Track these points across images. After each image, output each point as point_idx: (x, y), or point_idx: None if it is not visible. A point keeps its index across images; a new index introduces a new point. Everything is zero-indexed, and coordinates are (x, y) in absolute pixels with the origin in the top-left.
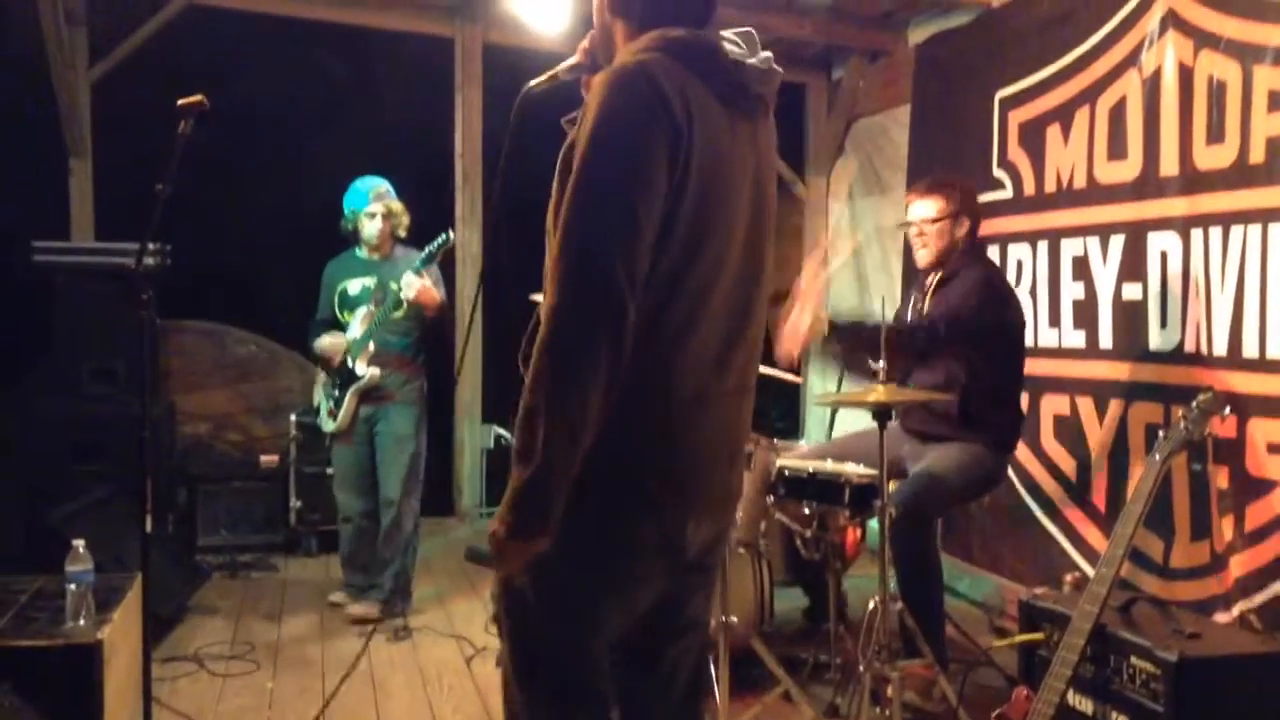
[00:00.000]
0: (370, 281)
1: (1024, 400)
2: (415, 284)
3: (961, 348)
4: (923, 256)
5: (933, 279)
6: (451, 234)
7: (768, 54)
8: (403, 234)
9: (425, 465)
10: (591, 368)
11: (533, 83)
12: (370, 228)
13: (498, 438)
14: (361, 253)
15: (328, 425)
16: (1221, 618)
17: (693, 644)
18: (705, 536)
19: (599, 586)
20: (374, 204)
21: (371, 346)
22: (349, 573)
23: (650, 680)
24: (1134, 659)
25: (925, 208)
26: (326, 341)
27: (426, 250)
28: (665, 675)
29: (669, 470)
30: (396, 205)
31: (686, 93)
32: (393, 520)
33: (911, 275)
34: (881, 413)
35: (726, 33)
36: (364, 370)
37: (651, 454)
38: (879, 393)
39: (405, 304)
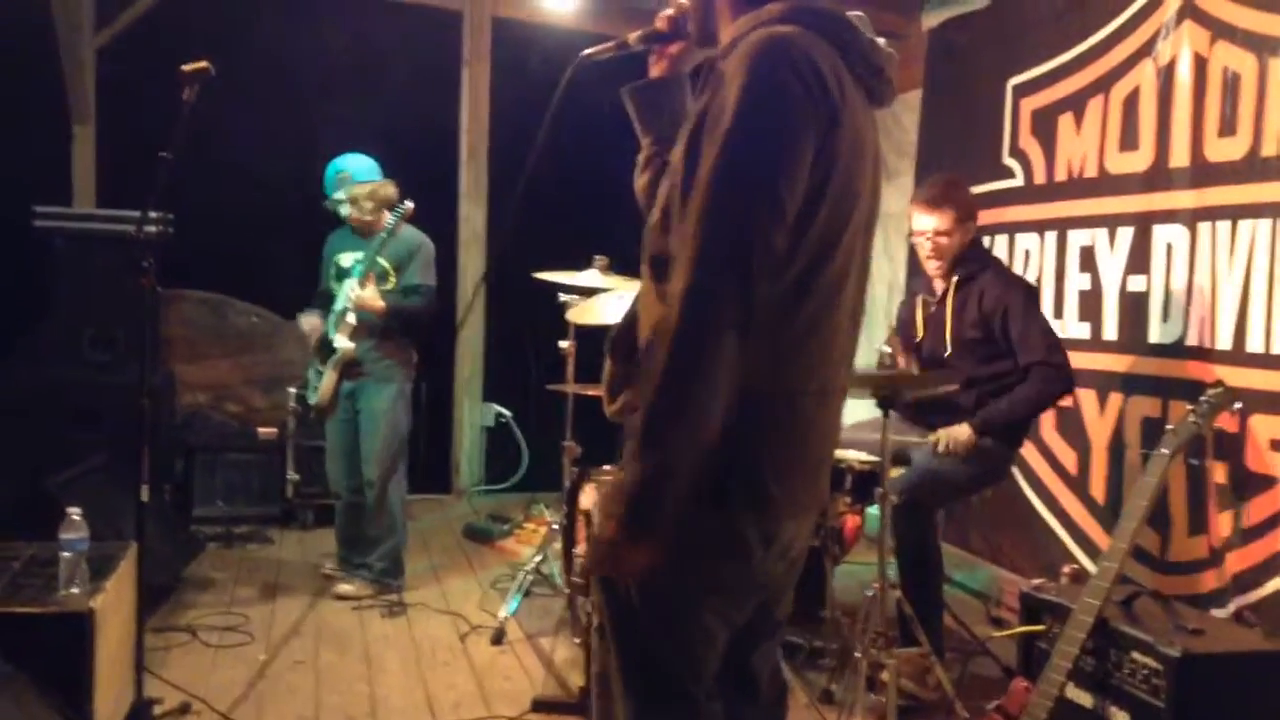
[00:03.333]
0: (360, 255)
1: None
2: (352, 296)
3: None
4: (932, 267)
5: (950, 281)
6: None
7: (882, 38)
8: (368, 213)
9: (416, 441)
10: (723, 362)
11: (591, 50)
12: (343, 213)
13: (497, 415)
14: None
15: (311, 398)
16: (1218, 613)
17: (774, 647)
18: (801, 535)
19: (711, 590)
20: (338, 191)
21: (351, 319)
22: (341, 546)
23: (734, 689)
24: (1135, 654)
25: (933, 221)
26: (304, 323)
27: (372, 242)
28: (750, 684)
29: (789, 472)
30: (360, 189)
31: (838, 72)
32: (376, 500)
33: (917, 270)
34: (886, 400)
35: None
36: (341, 343)
37: (775, 455)
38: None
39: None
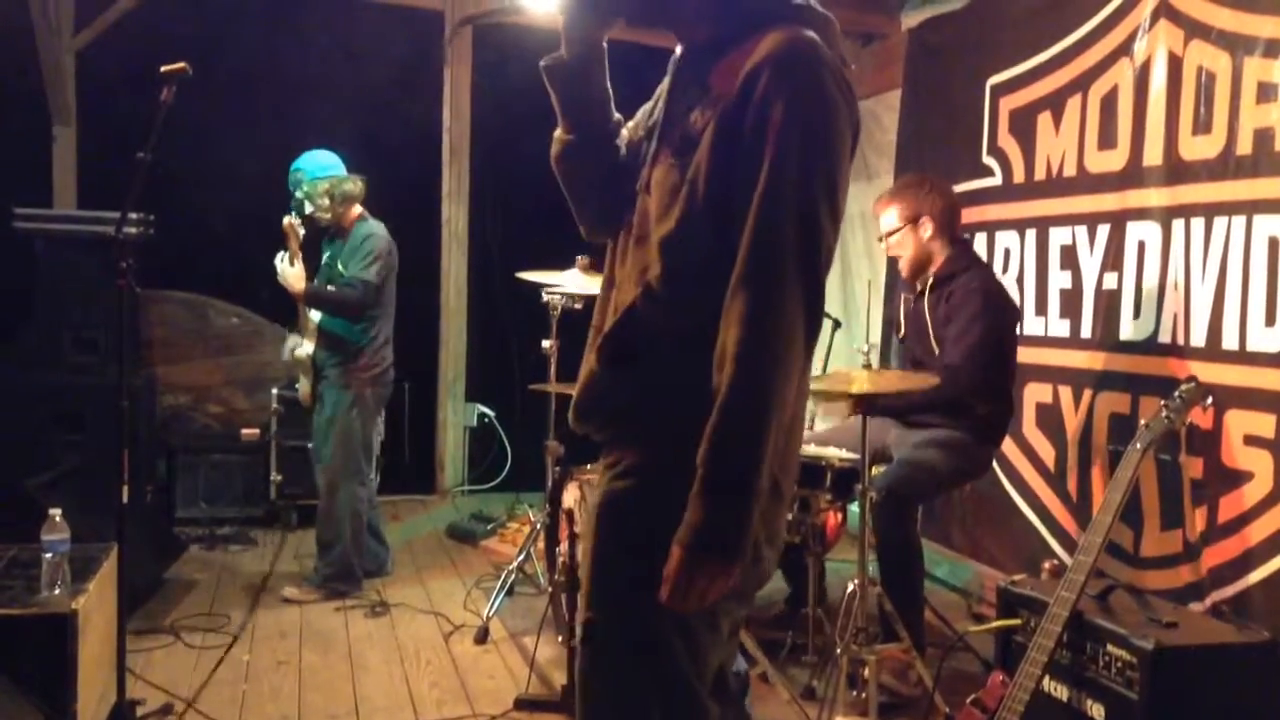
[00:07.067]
0: (326, 257)
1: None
2: (278, 271)
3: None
4: (901, 266)
5: (926, 281)
6: (286, 218)
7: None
8: (325, 215)
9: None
10: (792, 382)
11: (476, 11)
12: (305, 212)
13: (480, 415)
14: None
15: (271, 404)
16: (1194, 607)
17: (736, 642)
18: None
19: (728, 595)
20: (295, 193)
21: (313, 326)
22: None
23: (713, 690)
24: (1110, 647)
25: (887, 218)
26: (288, 343)
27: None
28: (722, 680)
29: (791, 469)
30: (313, 187)
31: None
32: (325, 505)
33: (896, 270)
34: (864, 402)
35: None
36: (305, 348)
37: (784, 453)
38: (862, 382)
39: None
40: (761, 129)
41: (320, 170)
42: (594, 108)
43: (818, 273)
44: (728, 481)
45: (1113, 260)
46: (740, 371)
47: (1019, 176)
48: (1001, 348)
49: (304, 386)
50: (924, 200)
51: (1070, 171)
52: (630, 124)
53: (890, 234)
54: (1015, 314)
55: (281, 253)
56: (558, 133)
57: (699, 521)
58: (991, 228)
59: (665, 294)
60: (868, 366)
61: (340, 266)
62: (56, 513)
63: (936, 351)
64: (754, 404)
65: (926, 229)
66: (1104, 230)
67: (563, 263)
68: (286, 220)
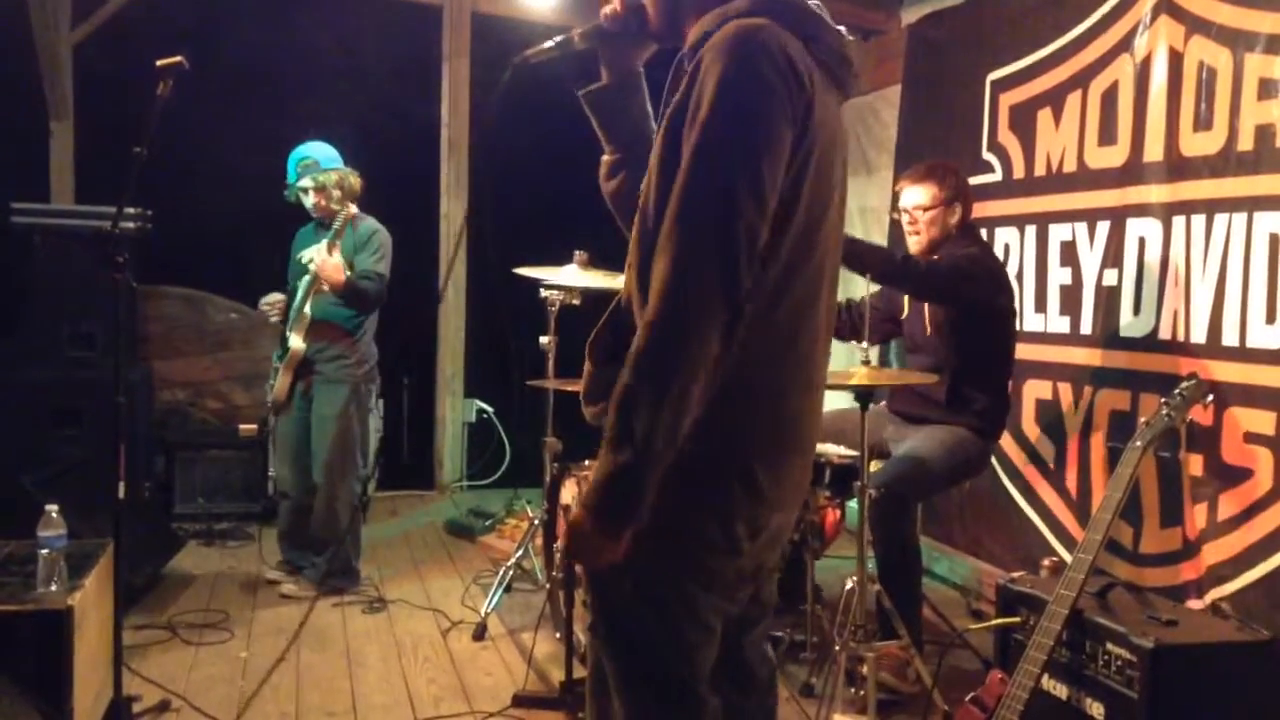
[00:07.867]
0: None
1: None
2: (315, 259)
3: (935, 300)
4: (913, 244)
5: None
6: (349, 208)
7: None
8: (335, 205)
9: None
10: (703, 352)
11: (530, 51)
12: (306, 202)
13: (479, 411)
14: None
15: (269, 395)
16: (1193, 604)
17: (764, 631)
18: (788, 524)
19: (707, 586)
20: (303, 179)
21: (306, 319)
22: (284, 549)
23: (729, 679)
24: (1110, 645)
25: (919, 195)
26: (263, 300)
27: (333, 227)
28: (743, 671)
29: (780, 468)
30: (328, 177)
31: (808, 66)
32: (324, 503)
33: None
34: (864, 395)
35: None
36: (294, 342)
37: (767, 452)
38: (861, 375)
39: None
40: (696, 112)
41: (331, 161)
42: (635, 128)
43: (734, 249)
44: (621, 441)
45: (1113, 257)
46: (645, 338)
47: (1019, 172)
48: (991, 330)
49: (282, 382)
50: (962, 185)
51: (1070, 167)
52: None
53: (924, 209)
54: (1007, 296)
55: (321, 244)
56: (604, 156)
57: (594, 480)
58: (991, 224)
59: (638, 286)
60: (866, 363)
61: (340, 259)
62: (53, 508)
63: (929, 332)
64: (655, 369)
65: (956, 214)
66: (1104, 227)
67: (561, 259)
68: (347, 211)
